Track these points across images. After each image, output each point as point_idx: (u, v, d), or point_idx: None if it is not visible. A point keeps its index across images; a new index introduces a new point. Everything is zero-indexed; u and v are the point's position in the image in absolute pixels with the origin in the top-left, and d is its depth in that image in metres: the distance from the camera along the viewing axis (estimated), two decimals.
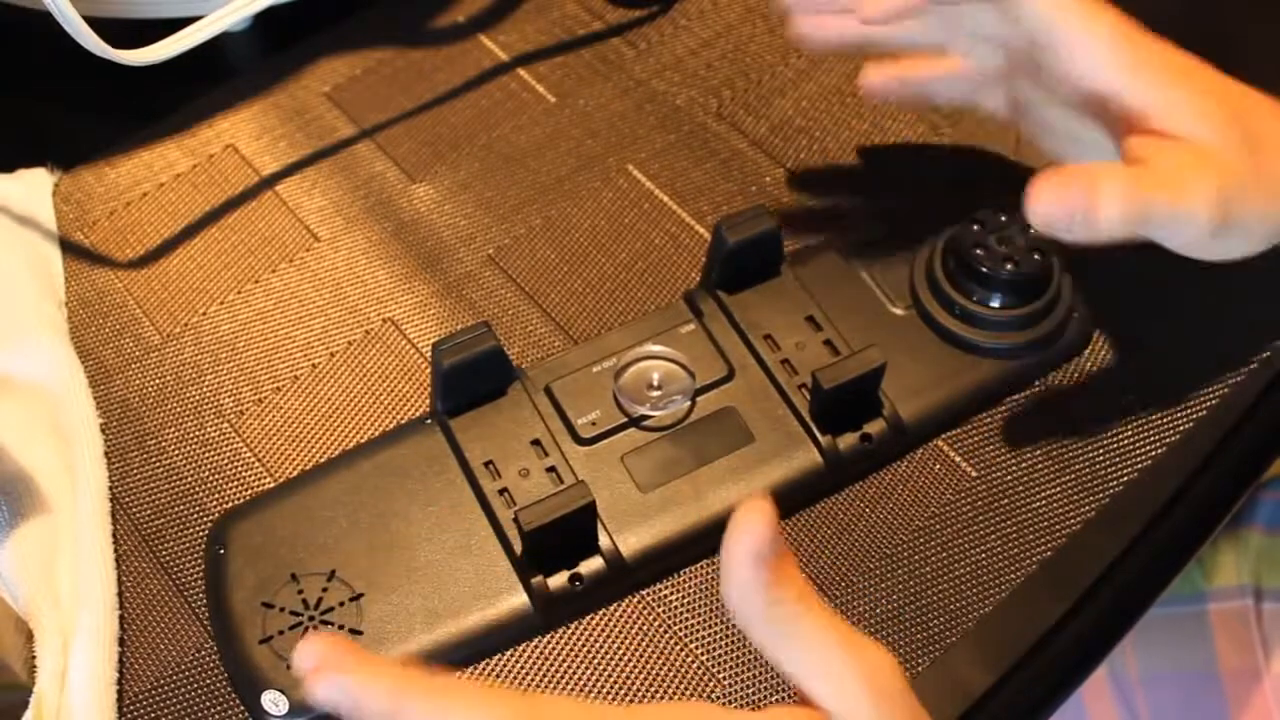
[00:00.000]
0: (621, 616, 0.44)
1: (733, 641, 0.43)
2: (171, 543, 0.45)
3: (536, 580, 0.43)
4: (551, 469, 0.45)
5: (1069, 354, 0.49)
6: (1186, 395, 0.48)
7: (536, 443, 0.45)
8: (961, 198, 0.53)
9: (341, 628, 0.42)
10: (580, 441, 0.45)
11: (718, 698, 0.42)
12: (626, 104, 0.57)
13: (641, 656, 0.43)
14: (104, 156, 0.56)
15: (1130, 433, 0.47)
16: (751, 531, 0.32)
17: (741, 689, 0.42)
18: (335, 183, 0.55)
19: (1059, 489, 0.46)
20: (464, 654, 0.42)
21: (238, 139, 0.56)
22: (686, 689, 0.42)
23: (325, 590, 0.43)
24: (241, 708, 0.42)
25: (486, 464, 0.45)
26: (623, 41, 0.60)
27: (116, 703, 0.41)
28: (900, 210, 0.53)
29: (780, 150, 0.55)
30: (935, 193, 0.53)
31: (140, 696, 0.42)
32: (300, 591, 0.43)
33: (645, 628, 0.43)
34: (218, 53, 0.58)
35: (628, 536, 0.44)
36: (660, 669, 0.43)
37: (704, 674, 0.42)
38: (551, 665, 0.43)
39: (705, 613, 0.44)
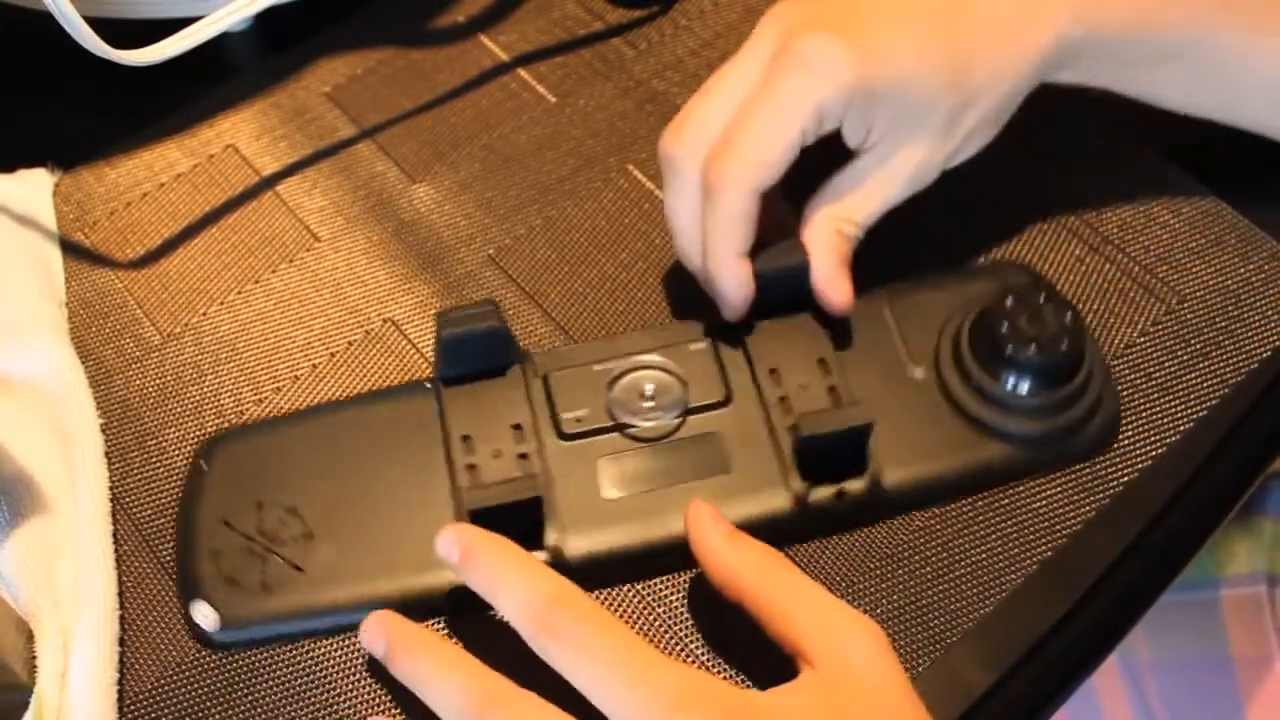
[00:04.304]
0: (621, 616, 0.43)
1: (733, 641, 0.43)
2: (172, 543, 0.45)
3: None
4: (524, 456, 0.44)
5: (1085, 453, 0.46)
6: (1186, 395, 0.48)
7: (518, 427, 0.45)
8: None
9: (284, 561, 0.43)
10: (561, 436, 0.45)
11: None
12: (627, 104, 0.57)
13: None
14: (104, 156, 0.56)
15: (1130, 433, 0.47)
16: (705, 510, 0.40)
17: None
18: (335, 183, 0.55)
19: (1059, 489, 0.46)
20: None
21: (238, 139, 0.56)
22: None
23: (282, 523, 0.44)
24: (241, 707, 0.42)
25: (464, 438, 0.45)
26: (623, 41, 0.60)
27: (117, 703, 0.41)
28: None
29: None
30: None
31: (140, 696, 0.42)
32: (259, 519, 0.44)
33: (645, 628, 0.43)
34: (218, 53, 0.58)
35: (578, 539, 0.43)
36: None
37: None
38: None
39: (705, 613, 0.43)
